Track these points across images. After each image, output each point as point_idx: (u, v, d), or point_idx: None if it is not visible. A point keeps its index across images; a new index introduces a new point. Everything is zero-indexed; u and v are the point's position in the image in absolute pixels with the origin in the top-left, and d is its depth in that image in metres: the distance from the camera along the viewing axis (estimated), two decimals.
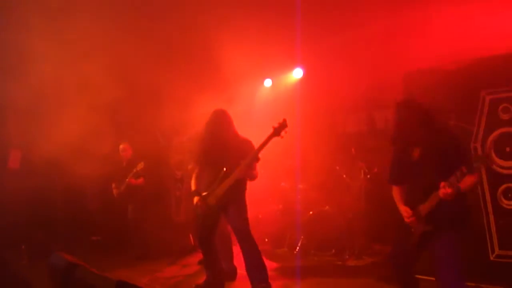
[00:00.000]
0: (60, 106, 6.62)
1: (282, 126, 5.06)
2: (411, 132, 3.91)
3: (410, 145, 4.01)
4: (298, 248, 7.26)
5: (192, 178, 5.62)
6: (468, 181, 3.65)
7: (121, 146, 8.14)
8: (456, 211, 3.80)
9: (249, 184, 5.47)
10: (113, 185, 8.04)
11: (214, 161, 5.32)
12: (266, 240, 8.03)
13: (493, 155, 5.45)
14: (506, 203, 5.35)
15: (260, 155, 5.17)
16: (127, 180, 7.85)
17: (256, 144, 5.22)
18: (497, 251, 5.37)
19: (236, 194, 5.25)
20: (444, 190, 3.61)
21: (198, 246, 5.65)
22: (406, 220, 3.96)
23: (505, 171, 5.37)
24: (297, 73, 9.26)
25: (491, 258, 5.38)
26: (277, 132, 5.05)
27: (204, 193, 5.30)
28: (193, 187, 5.53)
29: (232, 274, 6.25)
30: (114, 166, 8.16)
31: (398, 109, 4.02)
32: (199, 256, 7.20)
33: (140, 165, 7.77)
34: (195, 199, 5.33)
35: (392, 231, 7.16)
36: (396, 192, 4.25)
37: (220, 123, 5.36)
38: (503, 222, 5.35)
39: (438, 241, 3.82)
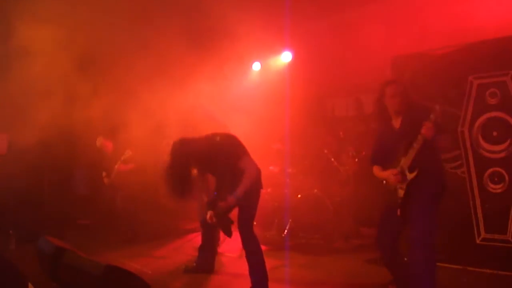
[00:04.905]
0: (48, 89, 6.50)
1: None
2: (401, 102, 4.19)
3: (394, 116, 4.27)
4: (286, 231, 7.29)
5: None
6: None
7: (97, 143, 7.83)
8: (433, 160, 4.10)
9: None
10: (104, 174, 7.92)
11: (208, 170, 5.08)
12: (255, 223, 8.01)
13: (480, 139, 5.50)
14: (492, 187, 5.40)
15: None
16: (116, 166, 7.67)
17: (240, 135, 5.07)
18: (483, 234, 5.43)
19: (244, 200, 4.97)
20: (428, 124, 3.84)
21: (200, 226, 5.59)
22: (393, 178, 4.11)
23: (492, 155, 5.41)
24: (286, 57, 9.23)
25: (478, 241, 5.44)
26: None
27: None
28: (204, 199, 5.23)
29: None
30: (100, 154, 7.98)
31: (391, 84, 4.27)
32: (188, 238, 7.24)
33: (128, 153, 7.57)
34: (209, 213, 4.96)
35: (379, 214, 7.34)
36: (376, 169, 4.39)
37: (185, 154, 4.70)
38: (489, 206, 5.40)
39: (416, 201, 4.02)
